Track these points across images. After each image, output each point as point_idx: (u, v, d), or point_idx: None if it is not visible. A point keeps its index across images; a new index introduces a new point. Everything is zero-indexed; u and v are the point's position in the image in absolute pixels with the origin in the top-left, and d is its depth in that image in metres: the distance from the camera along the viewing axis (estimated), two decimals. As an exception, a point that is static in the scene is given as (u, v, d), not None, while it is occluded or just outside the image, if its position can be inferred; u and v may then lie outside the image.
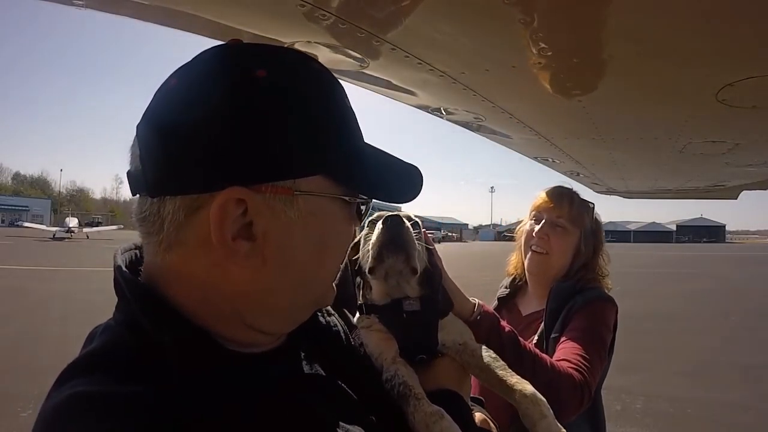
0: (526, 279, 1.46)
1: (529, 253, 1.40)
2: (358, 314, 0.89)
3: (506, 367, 0.88)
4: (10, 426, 3.77)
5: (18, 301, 8.97)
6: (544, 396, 0.85)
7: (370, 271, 0.85)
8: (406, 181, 0.56)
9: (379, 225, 0.84)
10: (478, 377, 0.89)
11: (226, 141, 0.44)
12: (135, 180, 0.48)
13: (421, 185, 0.56)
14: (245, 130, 0.45)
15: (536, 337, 1.25)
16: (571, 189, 1.45)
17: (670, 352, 6.55)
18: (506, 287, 1.50)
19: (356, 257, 0.90)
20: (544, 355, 1.03)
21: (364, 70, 1.50)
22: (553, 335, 1.22)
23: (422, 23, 1.14)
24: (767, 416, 4.27)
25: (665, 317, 9.30)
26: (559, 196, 1.40)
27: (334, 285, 0.57)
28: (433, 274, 0.91)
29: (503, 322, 1.04)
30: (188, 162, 0.45)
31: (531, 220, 1.43)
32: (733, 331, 8.00)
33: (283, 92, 0.47)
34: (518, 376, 0.85)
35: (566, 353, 1.10)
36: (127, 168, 0.50)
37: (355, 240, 0.91)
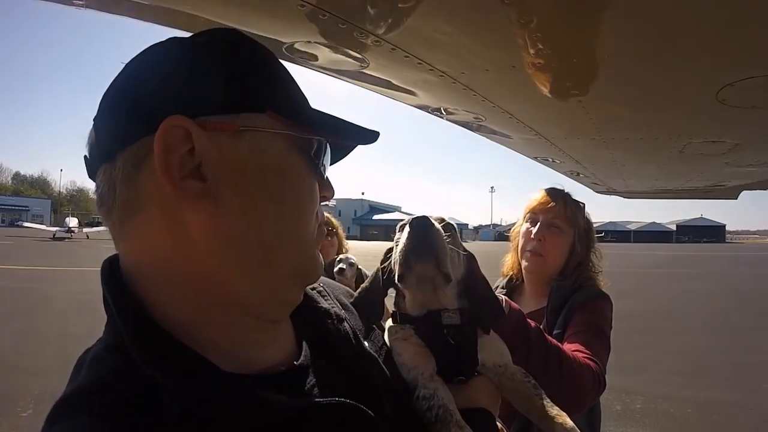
0: (522, 278, 1.49)
1: (527, 254, 1.42)
2: (390, 322, 0.84)
3: (544, 396, 0.81)
4: (10, 426, 3.76)
5: (18, 301, 8.96)
6: (570, 388, 0.85)
7: (399, 279, 0.79)
8: (357, 127, 0.52)
9: (407, 228, 0.78)
10: (513, 402, 0.84)
11: (163, 79, 0.44)
12: (91, 157, 0.47)
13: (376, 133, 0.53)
14: (182, 66, 0.45)
15: None
16: (563, 189, 1.47)
17: (670, 352, 6.55)
18: (503, 287, 1.52)
19: (385, 264, 0.84)
20: (565, 348, 1.05)
21: (364, 70, 1.50)
22: (555, 332, 1.25)
23: (422, 23, 1.14)
24: (767, 416, 4.27)
25: (665, 317, 9.30)
26: (554, 197, 1.43)
27: (319, 258, 0.52)
28: (474, 283, 0.85)
29: (528, 319, 1.05)
30: (128, 108, 0.44)
31: (526, 222, 1.45)
32: (733, 331, 7.99)
33: (224, 40, 0.48)
34: (557, 408, 0.79)
35: (577, 347, 1.14)
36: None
37: (389, 247, 0.86)
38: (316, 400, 0.48)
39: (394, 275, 0.80)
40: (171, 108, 0.42)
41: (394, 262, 0.80)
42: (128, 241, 0.46)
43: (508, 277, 1.54)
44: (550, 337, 1.04)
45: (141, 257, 0.46)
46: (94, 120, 0.47)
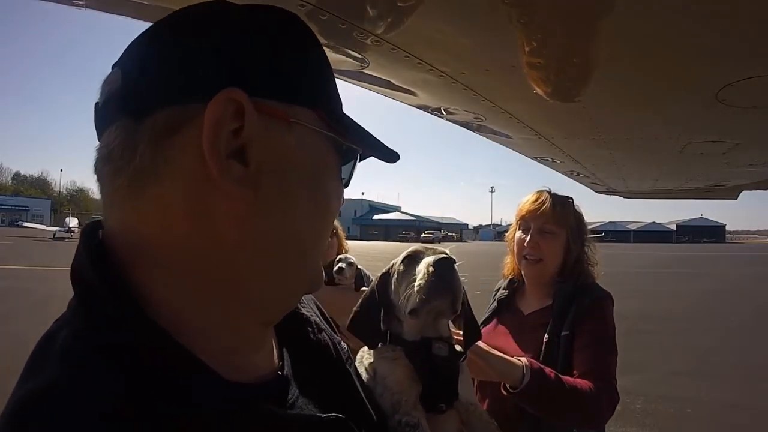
0: (523, 280, 1.50)
1: (524, 261, 1.44)
2: (380, 343, 0.86)
3: None
4: (10, 426, 3.77)
5: (18, 301, 8.96)
6: (589, 416, 1.07)
7: (411, 312, 0.82)
8: (384, 145, 0.50)
9: (429, 267, 0.80)
10: None
11: (231, 47, 0.40)
12: (106, 107, 0.41)
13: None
14: (254, 39, 0.41)
15: (547, 336, 1.29)
16: (549, 190, 1.48)
17: (670, 352, 6.54)
18: (504, 289, 1.54)
19: (376, 288, 0.89)
20: (580, 382, 1.16)
21: (364, 70, 1.50)
22: (563, 333, 1.28)
23: (422, 23, 1.14)
24: (766, 416, 4.27)
25: (665, 317, 9.30)
26: (541, 201, 1.44)
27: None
28: (466, 311, 0.91)
29: (545, 368, 1.14)
30: (184, 65, 0.39)
31: (519, 229, 1.47)
32: (733, 331, 7.99)
33: (297, 24, 0.46)
34: None
35: (589, 362, 1.22)
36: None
37: (384, 271, 0.91)
38: (317, 415, 0.45)
39: (404, 308, 0.83)
40: (229, 79, 0.38)
41: (408, 296, 0.82)
42: (132, 213, 0.39)
43: (509, 279, 1.55)
44: (565, 378, 1.15)
45: (145, 236, 0.39)
46: (124, 64, 0.41)
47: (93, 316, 0.38)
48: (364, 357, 0.86)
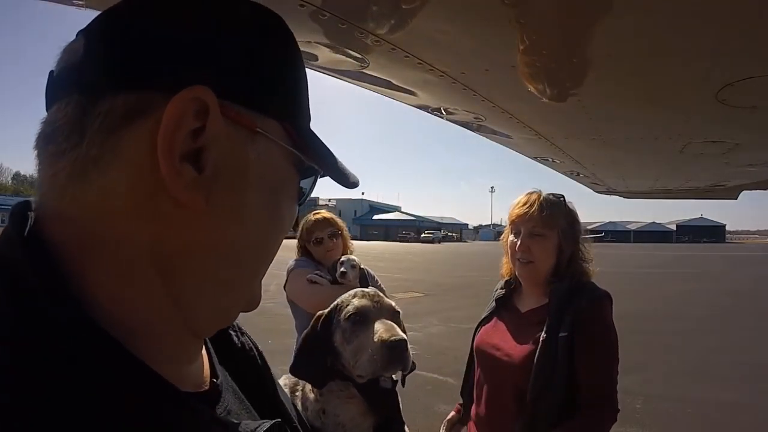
0: (519, 280, 1.51)
1: (517, 263, 1.46)
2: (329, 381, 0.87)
3: None
4: (10, 426, 3.77)
5: (18, 301, 8.95)
6: None
7: (360, 377, 0.84)
8: (345, 169, 0.46)
9: (384, 349, 0.81)
10: None
11: (208, 37, 0.36)
12: (60, 77, 0.37)
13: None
14: (236, 37, 0.38)
15: (544, 334, 1.29)
16: (539, 192, 1.47)
17: (670, 352, 6.55)
18: (502, 288, 1.55)
19: (319, 332, 0.89)
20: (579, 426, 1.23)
21: (364, 70, 1.50)
22: (561, 334, 1.28)
23: (422, 23, 1.14)
24: (767, 416, 4.27)
25: (665, 317, 9.30)
26: (529, 205, 1.44)
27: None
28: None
29: None
30: (152, 49, 0.35)
31: (511, 233, 1.49)
32: (733, 331, 7.99)
33: (277, 27, 0.43)
34: None
35: (592, 373, 1.26)
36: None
37: (325, 315, 0.91)
38: (265, 421, 0.41)
39: (353, 372, 0.84)
40: (199, 74, 0.35)
41: (359, 363, 0.83)
42: (71, 202, 0.34)
43: (506, 279, 1.57)
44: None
45: (83, 228, 0.34)
46: (87, 34, 0.37)
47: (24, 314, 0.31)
48: (308, 393, 0.88)
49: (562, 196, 1.48)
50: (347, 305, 0.88)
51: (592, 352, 1.27)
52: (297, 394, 0.91)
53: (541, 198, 1.45)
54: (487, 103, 1.76)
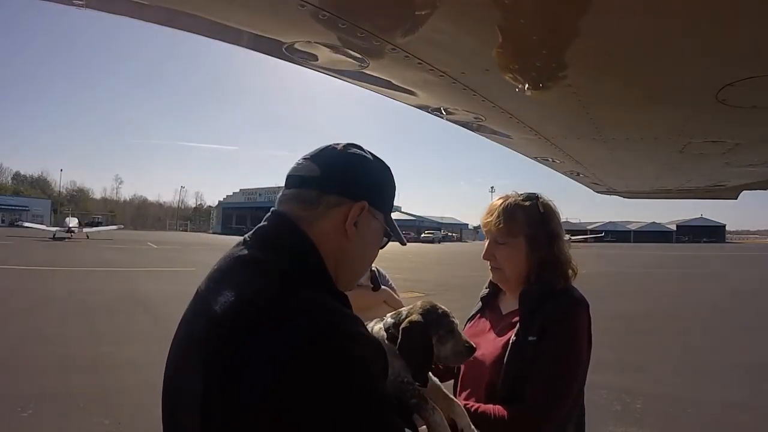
0: None
1: (490, 269, 1.47)
2: None
3: None
4: (10, 426, 3.77)
5: (18, 301, 8.97)
6: None
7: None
8: (401, 233, 1.00)
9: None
10: None
11: (370, 180, 0.91)
12: (305, 180, 0.87)
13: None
14: (378, 181, 0.93)
15: (514, 337, 1.30)
16: (506, 198, 1.43)
17: (670, 352, 6.55)
18: (487, 287, 1.56)
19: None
20: (492, 410, 1.23)
21: (364, 70, 1.50)
22: (530, 338, 1.27)
23: (422, 23, 1.14)
24: (767, 416, 4.27)
25: (665, 317, 9.30)
26: (490, 213, 1.43)
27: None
28: None
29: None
30: (351, 183, 0.88)
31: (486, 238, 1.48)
32: (733, 331, 8.00)
33: (390, 174, 0.96)
34: None
35: (538, 378, 1.24)
36: (295, 173, 0.89)
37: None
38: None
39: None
40: (365, 195, 0.87)
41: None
42: (308, 228, 0.84)
43: (490, 279, 1.54)
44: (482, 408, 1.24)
45: (315, 238, 0.84)
46: (323, 163, 0.87)
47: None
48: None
49: (536, 198, 1.42)
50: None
51: (549, 360, 1.25)
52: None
53: (504, 205, 1.40)
54: (487, 103, 1.76)
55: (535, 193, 1.44)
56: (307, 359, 0.65)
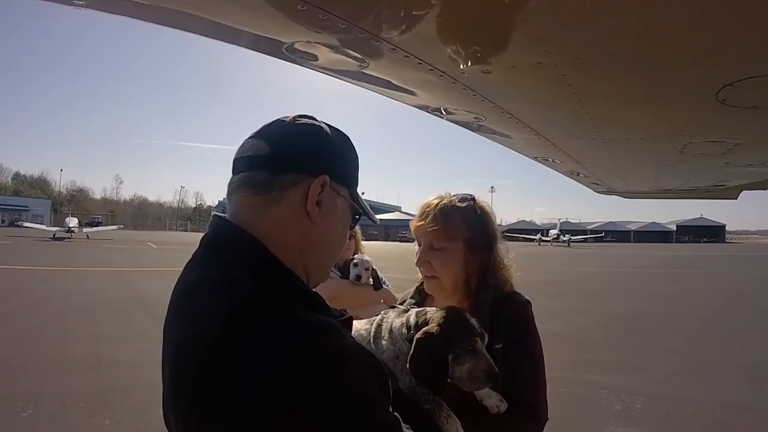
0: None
1: (422, 277, 1.35)
2: None
3: None
4: (10, 426, 3.77)
5: (18, 301, 8.97)
6: None
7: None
8: (371, 212, 0.91)
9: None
10: None
11: (331, 153, 0.81)
12: (254, 160, 0.76)
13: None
14: (338, 152, 0.82)
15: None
16: (440, 199, 1.31)
17: (670, 352, 6.54)
18: (412, 297, 1.46)
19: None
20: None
21: (364, 70, 1.50)
22: (497, 346, 1.19)
23: (422, 23, 1.14)
24: (767, 416, 4.27)
25: (665, 317, 9.30)
26: (424, 216, 1.30)
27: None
28: None
29: None
30: (308, 158, 0.78)
31: (416, 242, 1.34)
32: (733, 331, 8.00)
33: (352, 146, 0.86)
34: None
35: (520, 388, 1.20)
36: (241, 154, 0.78)
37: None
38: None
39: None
40: (325, 169, 0.77)
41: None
42: (260, 218, 0.75)
43: (416, 288, 1.44)
44: None
45: (268, 232, 0.75)
46: (270, 139, 0.77)
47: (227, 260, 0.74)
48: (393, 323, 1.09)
49: (472, 198, 1.33)
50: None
51: (521, 362, 1.22)
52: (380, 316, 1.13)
53: (439, 206, 1.29)
54: (487, 103, 1.76)
55: (470, 194, 1.35)
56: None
